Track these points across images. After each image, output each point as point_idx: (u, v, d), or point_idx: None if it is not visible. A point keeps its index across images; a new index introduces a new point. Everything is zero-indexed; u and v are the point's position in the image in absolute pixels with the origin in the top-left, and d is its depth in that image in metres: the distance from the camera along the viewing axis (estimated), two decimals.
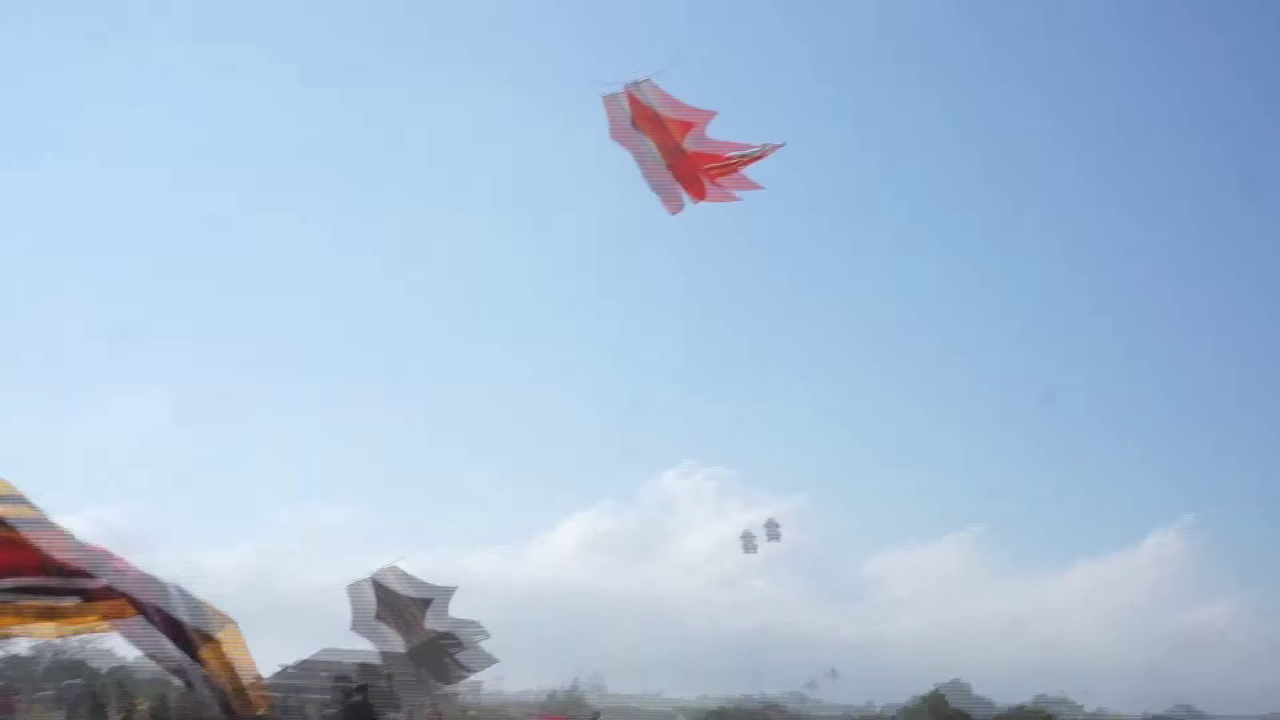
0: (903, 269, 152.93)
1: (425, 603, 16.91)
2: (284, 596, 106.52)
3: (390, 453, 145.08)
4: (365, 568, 17.45)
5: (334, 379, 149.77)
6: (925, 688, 60.78)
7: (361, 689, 11.21)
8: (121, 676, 33.53)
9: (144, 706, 20.69)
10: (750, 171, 12.20)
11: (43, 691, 31.20)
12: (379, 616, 16.97)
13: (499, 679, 78.19)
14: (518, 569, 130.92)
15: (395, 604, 16.88)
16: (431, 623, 17.03)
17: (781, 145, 12.22)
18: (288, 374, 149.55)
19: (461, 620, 17.72)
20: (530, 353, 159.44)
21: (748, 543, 24.49)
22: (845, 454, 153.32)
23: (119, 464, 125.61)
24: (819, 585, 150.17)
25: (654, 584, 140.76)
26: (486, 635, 17.51)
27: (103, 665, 46.98)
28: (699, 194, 12.40)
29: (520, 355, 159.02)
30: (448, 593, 17.50)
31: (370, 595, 16.60)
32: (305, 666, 74.45)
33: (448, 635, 17.23)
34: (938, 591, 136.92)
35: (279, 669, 75.09)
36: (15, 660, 41.32)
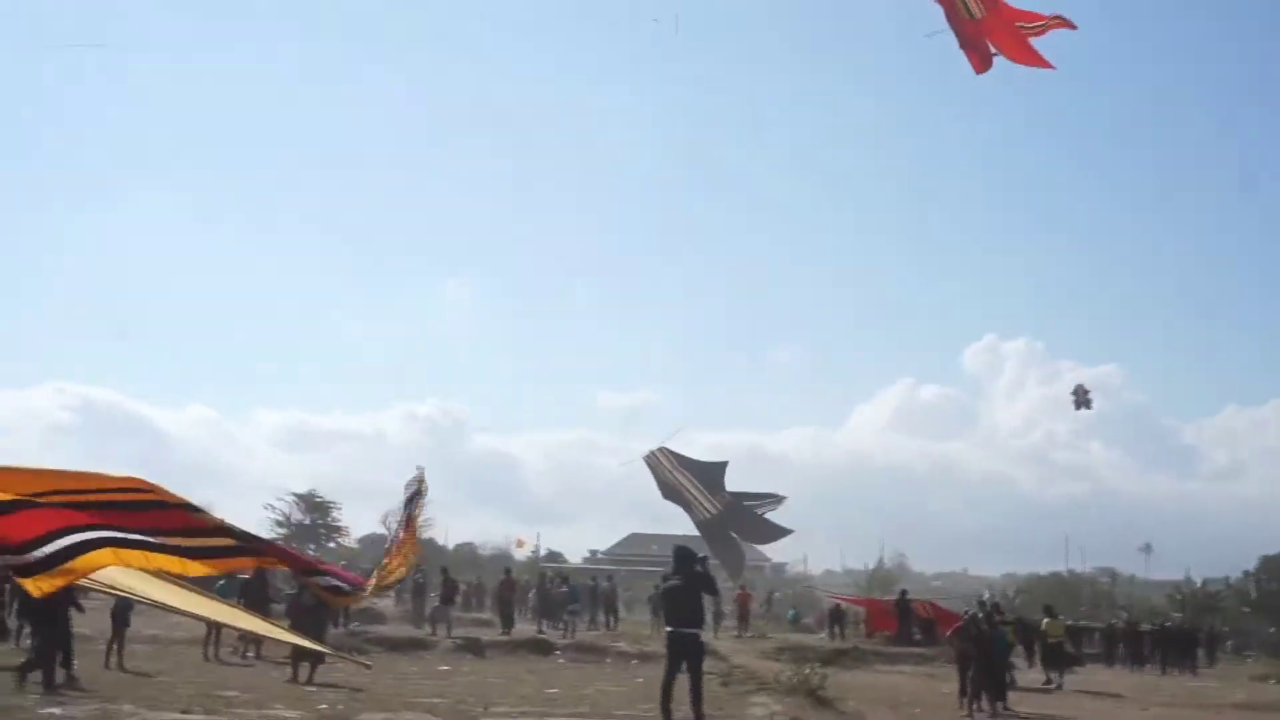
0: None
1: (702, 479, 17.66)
2: (592, 483, 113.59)
3: (696, 336, 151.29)
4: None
5: (637, 266, 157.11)
6: (1248, 562, 55.99)
7: (701, 560, 11.86)
8: None
9: None
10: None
11: None
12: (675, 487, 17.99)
13: (802, 560, 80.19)
14: (824, 449, 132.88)
15: (673, 484, 17.61)
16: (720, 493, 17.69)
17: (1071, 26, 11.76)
18: (589, 267, 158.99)
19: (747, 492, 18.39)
20: (831, 229, 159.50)
21: (1080, 397, 22.86)
22: (1158, 316, 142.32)
23: (437, 355, 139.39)
24: (1131, 456, 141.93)
25: (959, 460, 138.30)
26: (781, 500, 17.96)
27: None
28: (1014, 53, 11.80)
29: (818, 231, 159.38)
30: (720, 468, 18.02)
31: (666, 463, 17.51)
32: (613, 554, 79.17)
33: (749, 495, 17.72)
34: (1263, 460, 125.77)
35: (589, 554, 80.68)
36: None
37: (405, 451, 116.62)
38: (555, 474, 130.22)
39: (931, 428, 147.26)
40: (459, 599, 30.76)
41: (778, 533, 18.48)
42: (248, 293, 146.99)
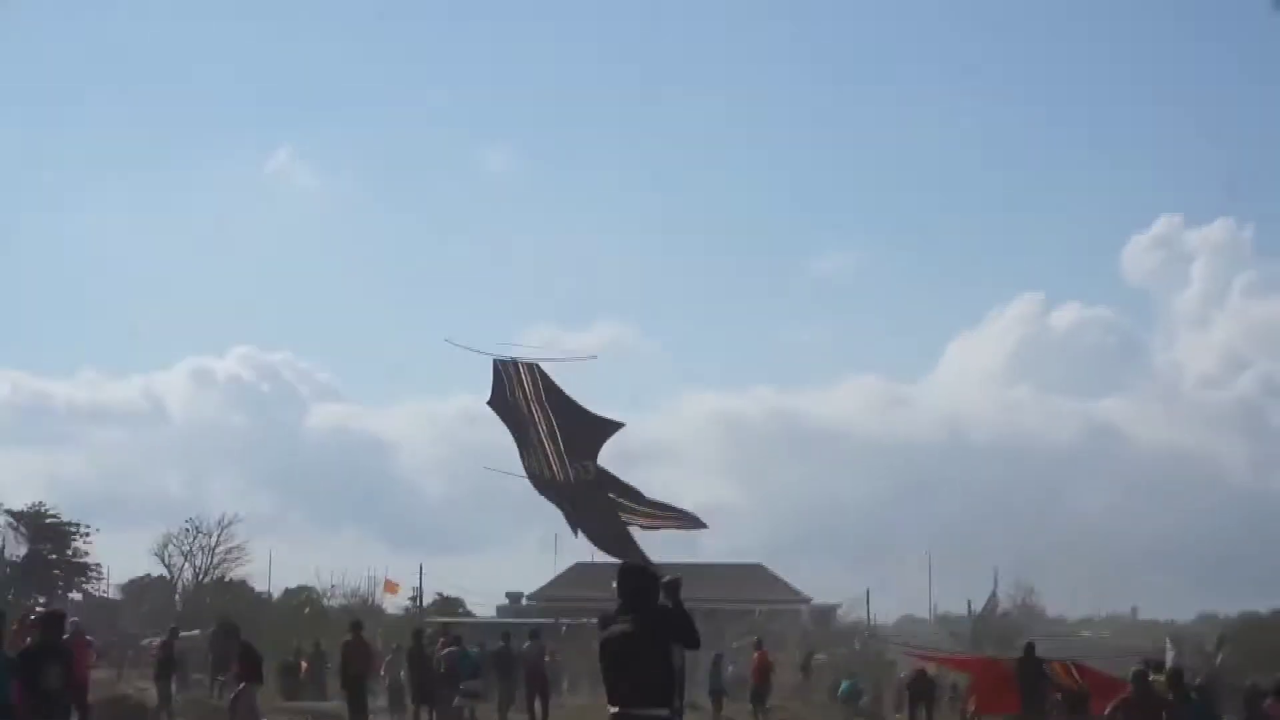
0: None
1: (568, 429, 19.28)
2: (513, 483, 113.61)
3: (688, 234, 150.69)
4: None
5: (588, 114, 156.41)
6: None
7: (670, 584, 11.49)
8: None
9: None
10: None
11: None
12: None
13: (862, 600, 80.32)
14: (895, 415, 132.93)
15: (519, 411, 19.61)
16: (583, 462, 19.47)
17: None
18: (508, 120, 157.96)
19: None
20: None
21: None
22: None
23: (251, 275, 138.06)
24: None
25: (1119, 429, 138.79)
26: (694, 523, 20.11)
27: None
28: None
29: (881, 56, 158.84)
30: (606, 429, 19.79)
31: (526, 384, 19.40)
32: (547, 598, 79.43)
33: (635, 494, 19.55)
34: None
35: (507, 600, 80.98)
36: None
37: (198, 437, 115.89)
38: (451, 469, 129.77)
39: (1074, 375, 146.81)
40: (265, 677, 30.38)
41: (633, 553, 19.33)
42: None
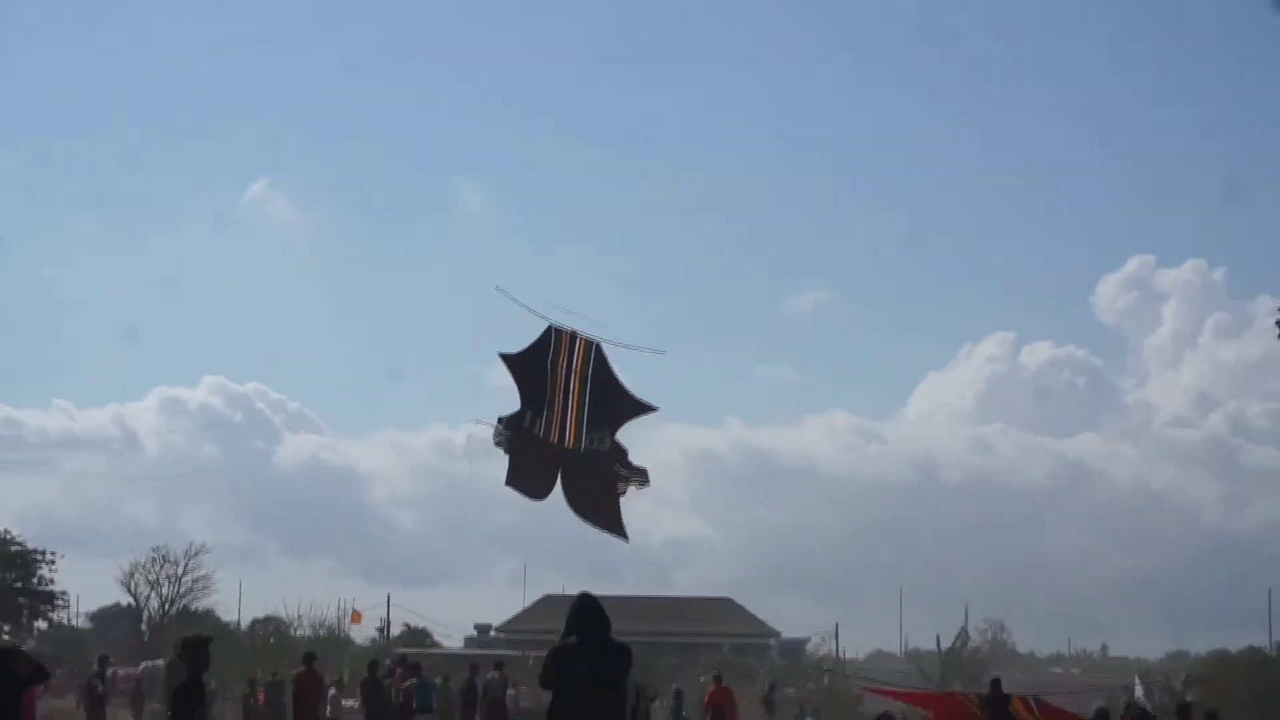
0: None
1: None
2: (482, 514, 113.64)
3: (661, 267, 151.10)
4: None
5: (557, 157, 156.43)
6: None
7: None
8: None
9: None
10: None
11: None
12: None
13: (830, 634, 79.91)
14: (868, 452, 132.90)
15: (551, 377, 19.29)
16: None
17: None
18: (480, 161, 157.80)
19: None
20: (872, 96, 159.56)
21: None
22: None
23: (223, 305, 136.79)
24: None
25: (1090, 466, 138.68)
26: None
27: None
28: None
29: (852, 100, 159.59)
30: (637, 411, 19.38)
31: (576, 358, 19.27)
32: (514, 630, 78.89)
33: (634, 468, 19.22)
34: None
35: (476, 632, 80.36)
36: None
37: (170, 464, 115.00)
38: (421, 500, 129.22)
39: (1046, 413, 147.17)
40: (219, 708, 30.10)
41: (613, 524, 19.57)
42: None
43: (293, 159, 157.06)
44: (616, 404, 19.18)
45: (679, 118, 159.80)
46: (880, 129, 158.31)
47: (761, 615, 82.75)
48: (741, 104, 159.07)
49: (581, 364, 18.88)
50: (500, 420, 18.94)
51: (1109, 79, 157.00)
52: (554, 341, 19.04)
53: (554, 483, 19.21)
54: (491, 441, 18.91)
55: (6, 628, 63.36)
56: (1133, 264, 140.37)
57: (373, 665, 32.24)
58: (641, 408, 19.25)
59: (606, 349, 19.14)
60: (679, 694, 34.82)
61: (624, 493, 18.73)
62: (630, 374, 19.34)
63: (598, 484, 18.82)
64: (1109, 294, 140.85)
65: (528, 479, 19.11)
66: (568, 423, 18.65)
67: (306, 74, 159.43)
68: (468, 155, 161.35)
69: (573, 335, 19.02)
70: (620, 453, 18.67)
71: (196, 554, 67.63)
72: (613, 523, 19.39)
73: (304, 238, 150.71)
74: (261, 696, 38.30)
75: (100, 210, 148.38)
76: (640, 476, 18.85)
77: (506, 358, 19.29)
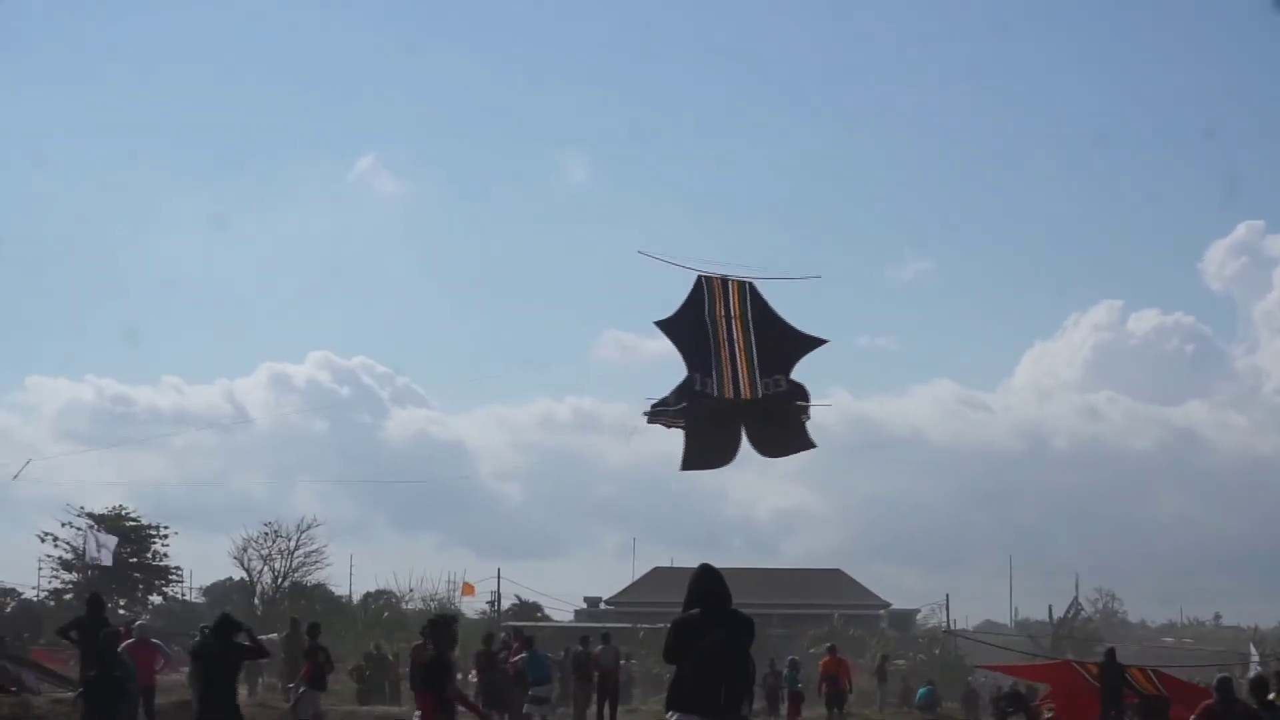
0: None
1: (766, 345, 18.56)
2: (592, 487, 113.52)
3: (763, 238, 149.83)
4: None
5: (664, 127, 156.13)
6: None
7: None
8: None
9: None
10: None
11: None
12: None
13: (941, 605, 79.30)
14: (972, 421, 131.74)
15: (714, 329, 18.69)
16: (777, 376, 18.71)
17: None
18: (589, 134, 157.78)
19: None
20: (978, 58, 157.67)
21: None
22: None
23: (331, 281, 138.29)
24: None
25: (1200, 435, 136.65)
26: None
27: None
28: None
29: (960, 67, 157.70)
30: (807, 346, 18.87)
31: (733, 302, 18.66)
32: (624, 604, 79.14)
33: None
34: None
35: (586, 604, 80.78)
36: None
37: (278, 439, 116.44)
38: (530, 474, 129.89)
39: (1154, 381, 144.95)
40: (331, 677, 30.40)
41: (800, 443, 19.26)
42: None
43: (397, 133, 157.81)
44: (785, 342, 18.59)
45: (778, 86, 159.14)
46: (987, 96, 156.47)
47: (870, 586, 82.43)
48: (846, 69, 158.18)
49: (739, 308, 18.27)
50: (651, 407, 18.62)
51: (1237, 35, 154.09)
52: (707, 292, 18.49)
53: (738, 440, 18.83)
54: (650, 423, 18.53)
55: (122, 602, 64.39)
56: (1242, 229, 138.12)
57: (488, 638, 32.31)
58: (811, 341, 18.74)
59: (760, 286, 18.58)
60: (794, 664, 34.71)
61: (809, 419, 18.23)
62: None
63: (785, 428, 18.26)
64: (1218, 260, 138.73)
65: (706, 451, 18.65)
66: (739, 373, 18.07)
67: (409, 47, 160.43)
68: (573, 126, 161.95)
69: (724, 280, 18.46)
70: (801, 391, 18.12)
71: (308, 528, 68.35)
72: (800, 443, 19.17)
73: (408, 211, 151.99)
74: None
75: (205, 186, 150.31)
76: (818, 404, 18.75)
77: (663, 324, 18.82)
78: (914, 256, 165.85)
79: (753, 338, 18.37)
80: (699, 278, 18.48)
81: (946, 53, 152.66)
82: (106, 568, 61.18)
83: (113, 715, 18.32)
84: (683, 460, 19.08)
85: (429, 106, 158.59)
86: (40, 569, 67.30)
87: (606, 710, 31.45)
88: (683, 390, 18.56)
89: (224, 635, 16.90)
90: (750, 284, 18.42)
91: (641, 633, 57.04)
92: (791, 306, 18.74)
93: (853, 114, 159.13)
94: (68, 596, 63.20)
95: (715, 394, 18.44)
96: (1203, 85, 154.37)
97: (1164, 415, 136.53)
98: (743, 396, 18.41)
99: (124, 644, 21.54)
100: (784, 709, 35.89)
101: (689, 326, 18.56)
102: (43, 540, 65.17)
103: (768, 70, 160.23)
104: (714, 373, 18.43)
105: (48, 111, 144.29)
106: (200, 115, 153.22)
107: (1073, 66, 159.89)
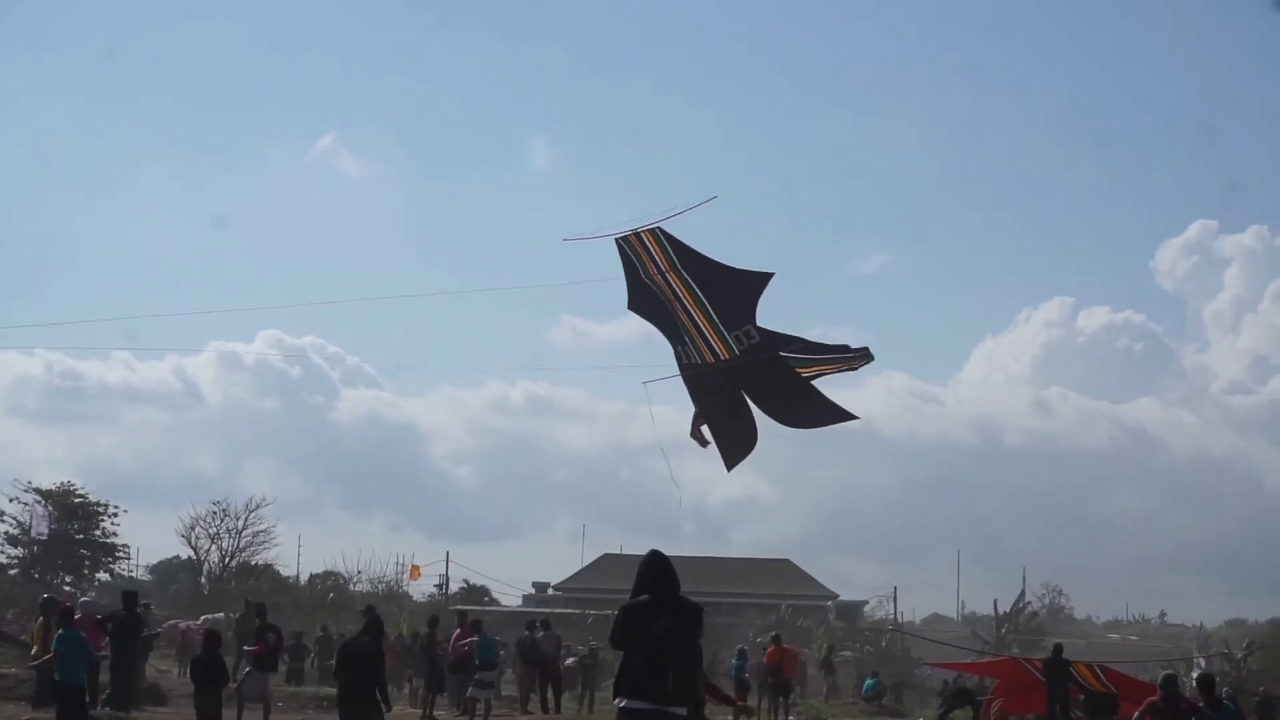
0: None
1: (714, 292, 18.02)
2: (544, 474, 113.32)
3: (729, 230, 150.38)
4: None
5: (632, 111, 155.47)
6: None
7: None
8: None
9: None
10: None
11: None
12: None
13: (889, 598, 79.45)
14: (924, 415, 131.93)
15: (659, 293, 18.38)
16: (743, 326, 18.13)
17: None
18: (549, 113, 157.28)
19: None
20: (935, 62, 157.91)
21: None
22: None
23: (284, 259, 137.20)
24: None
25: (1150, 433, 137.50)
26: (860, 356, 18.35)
27: None
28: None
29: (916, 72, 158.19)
30: (756, 282, 18.13)
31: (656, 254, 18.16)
32: (572, 589, 78.90)
33: (798, 341, 18.33)
34: None
35: (533, 589, 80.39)
36: None
37: (230, 417, 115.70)
38: (482, 459, 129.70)
39: (1103, 378, 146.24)
40: (285, 659, 30.08)
41: (833, 415, 18.57)
42: None
43: (359, 114, 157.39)
44: (729, 283, 17.95)
45: (745, 78, 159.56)
46: (945, 94, 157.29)
47: (819, 577, 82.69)
48: (806, 67, 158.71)
49: (664, 259, 17.83)
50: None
51: (1186, 39, 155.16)
52: (632, 254, 18.10)
53: (750, 412, 18.39)
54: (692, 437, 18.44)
55: (68, 579, 63.82)
56: (1194, 229, 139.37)
57: (432, 621, 32.18)
58: (756, 277, 17.99)
59: (668, 226, 18.00)
60: (742, 653, 34.68)
61: (819, 374, 17.70)
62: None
63: (786, 386, 17.71)
64: (1170, 259, 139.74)
65: (731, 440, 18.45)
66: (704, 331, 17.86)
67: (377, 28, 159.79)
68: (532, 111, 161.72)
69: (637, 236, 18.01)
70: (780, 340, 17.73)
71: (257, 508, 67.94)
72: (831, 412, 18.55)
73: (367, 193, 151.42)
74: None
75: (165, 161, 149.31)
76: (812, 357, 18.02)
77: (632, 306, 18.62)
78: (874, 250, 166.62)
79: (694, 286, 17.90)
80: (617, 242, 18.17)
81: (906, 49, 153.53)
82: (51, 543, 60.71)
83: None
84: (725, 463, 18.72)
85: (391, 88, 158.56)
86: None
87: (550, 697, 31.47)
88: (679, 364, 18.40)
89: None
90: (659, 229, 17.90)
91: (590, 619, 57.01)
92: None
93: (816, 107, 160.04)
94: (13, 571, 62.55)
95: (699, 361, 18.12)
96: (1202, 85, 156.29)
97: (1114, 412, 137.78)
98: (721, 358, 17.95)
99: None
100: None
101: (646, 300, 18.36)
102: None
103: (733, 61, 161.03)
104: (686, 338, 18.14)
105: None
106: (161, 86, 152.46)
107: (1041, 65, 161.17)
